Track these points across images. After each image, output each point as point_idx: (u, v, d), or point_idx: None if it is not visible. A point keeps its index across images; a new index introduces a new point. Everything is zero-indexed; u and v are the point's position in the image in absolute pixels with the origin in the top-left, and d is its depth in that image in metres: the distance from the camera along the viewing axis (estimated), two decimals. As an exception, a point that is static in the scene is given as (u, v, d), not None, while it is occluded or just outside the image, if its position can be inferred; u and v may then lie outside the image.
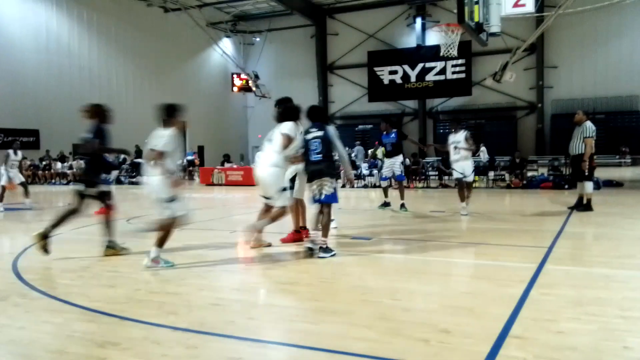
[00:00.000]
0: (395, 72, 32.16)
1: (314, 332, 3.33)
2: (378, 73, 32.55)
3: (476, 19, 10.29)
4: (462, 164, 9.20)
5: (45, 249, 5.52)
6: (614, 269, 4.86)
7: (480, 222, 8.44)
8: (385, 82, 32.48)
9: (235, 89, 35.12)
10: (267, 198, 6.14)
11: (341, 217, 8.23)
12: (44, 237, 5.53)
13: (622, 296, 3.97)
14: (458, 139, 9.20)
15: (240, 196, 15.64)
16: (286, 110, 6.23)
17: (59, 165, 23.32)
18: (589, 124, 9.08)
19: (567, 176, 14.89)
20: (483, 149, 19.72)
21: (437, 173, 17.61)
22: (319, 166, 5.75)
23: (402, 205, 9.81)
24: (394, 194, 10.37)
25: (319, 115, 6.09)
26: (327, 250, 5.58)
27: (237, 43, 35.98)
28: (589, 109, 20.55)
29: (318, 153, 5.74)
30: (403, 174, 10.17)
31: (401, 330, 3.28)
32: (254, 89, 29.93)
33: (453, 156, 9.31)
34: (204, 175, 20.93)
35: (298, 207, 6.57)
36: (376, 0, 31.70)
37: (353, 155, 20.23)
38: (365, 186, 17.03)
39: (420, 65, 31.38)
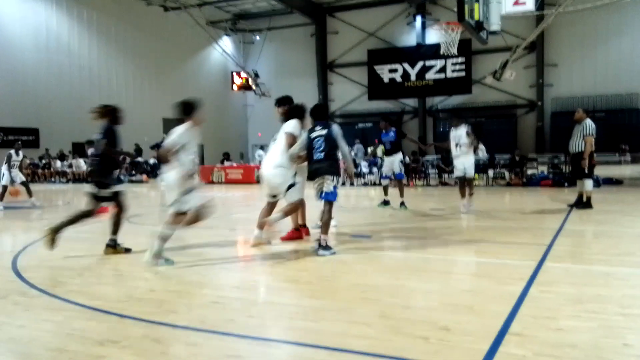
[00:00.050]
0: (395, 71, 32.14)
1: (314, 329, 3.33)
2: (378, 71, 32.52)
3: (476, 17, 10.29)
4: (463, 160, 9.18)
5: (52, 244, 5.53)
6: (614, 267, 4.86)
7: (480, 220, 8.44)
8: (385, 80, 32.46)
9: (235, 87, 35.08)
10: (273, 197, 6.17)
11: (341, 215, 8.23)
12: (55, 232, 5.55)
13: (622, 294, 3.97)
14: (459, 134, 9.18)
15: (239, 194, 15.66)
16: (291, 109, 6.27)
17: (58, 163, 23.35)
18: (589, 122, 9.07)
19: (567, 174, 14.90)
20: (482, 147, 19.69)
21: (436, 171, 17.62)
22: (321, 164, 5.78)
23: (402, 203, 9.82)
24: (393, 192, 10.36)
25: (324, 113, 6.13)
26: (327, 248, 5.58)
27: (237, 42, 35.94)
28: (589, 107, 20.63)
29: (321, 151, 5.77)
30: (402, 172, 10.17)
31: (401, 328, 3.28)
32: (253, 87, 29.91)
33: (454, 152, 9.29)
34: (204, 174, 20.91)
35: (297, 205, 6.57)
36: (376, -2, 31.74)
37: (353, 153, 20.25)
38: (365, 184, 17.04)
39: (420, 64, 31.36)
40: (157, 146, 20.29)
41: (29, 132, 24.86)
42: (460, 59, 29.16)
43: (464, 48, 25.29)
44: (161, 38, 30.26)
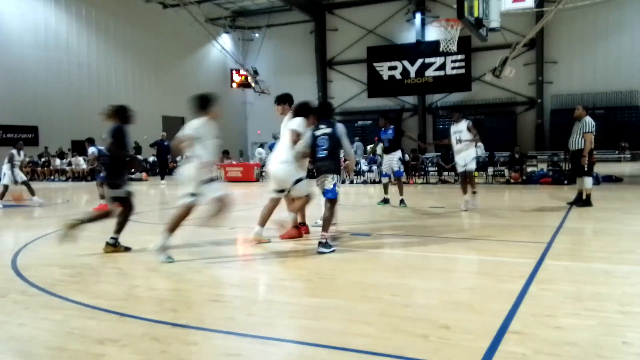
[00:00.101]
0: (394, 68, 32.11)
1: (313, 328, 3.33)
2: (377, 69, 32.49)
3: (476, 14, 10.30)
4: (464, 155, 9.13)
5: (65, 239, 5.54)
6: (614, 265, 4.87)
7: (479, 218, 8.44)
8: (385, 77, 32.43)
9: (234, 85, 35.08)
10: (280, 192, 6.20)
11: (340, 213, 8.21)
12: (72, 228, 5.56)
13: (622, 291, 3.97)
14: (460, 128, 9.13)
15: (239, 192, 15.62)
16: (298, 107, 6.30)
17: (57, 161, 23.31)
18: (588, 119, 9.06)
19: (566, 171, 14.90)
20: (480, 144, 19.67)
21: (436, 169, 17.62)
22: (323, 163, 5.84)
23: (402, 201, 9.82)
24: (393, 190, 10.36)
25: (329, 112, 6.16)
26: (326, 245, 5.59)
27: (236, 39, 35.89)
28: (588, 104, 20.57)
29: (324, 150, 5.80)
30: (401, 170, 10.16)
31: (401, 326, 3.28)
32: (253, 85, 29.89)
33: (455, 147, 9.24)
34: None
35: (306, 200, 6.59)
36: (375, -5, 31.69)
37: (353, 151, 20.21)
38: (364, 182, 17.03)
39: (419, 61, 31.33)
40: (155, 144, 20.26)
41: (28, 129, 24.82)
42: (459, 56, 29.16)
43: (464, 45, 25.28)
44: (160, 35, 30.21)
